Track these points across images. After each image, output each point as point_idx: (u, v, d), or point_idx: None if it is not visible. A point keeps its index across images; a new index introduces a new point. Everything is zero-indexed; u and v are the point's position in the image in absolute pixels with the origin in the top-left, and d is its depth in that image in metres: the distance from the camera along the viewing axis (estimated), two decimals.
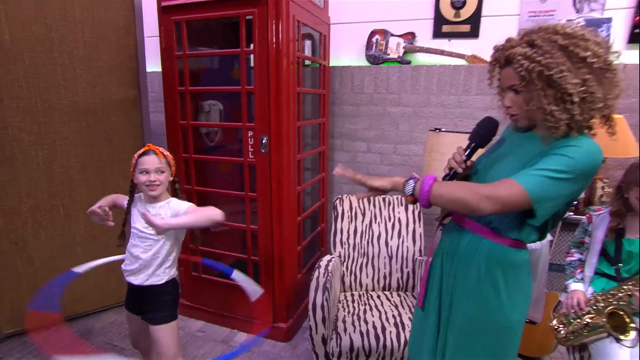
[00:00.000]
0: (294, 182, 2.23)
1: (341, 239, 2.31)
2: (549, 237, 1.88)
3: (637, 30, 2.33)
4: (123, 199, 1.60)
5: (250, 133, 2.14)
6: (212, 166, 2.63)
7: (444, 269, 1.27)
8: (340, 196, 2.37)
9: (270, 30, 1.92)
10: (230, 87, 2.36)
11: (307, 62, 2.74)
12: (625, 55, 2.35)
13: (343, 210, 2.34)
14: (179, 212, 1.49)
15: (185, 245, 2.36)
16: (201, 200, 2.39)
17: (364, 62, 2.84)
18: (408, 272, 2.27)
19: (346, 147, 2.89)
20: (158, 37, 2.18)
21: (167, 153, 1.56)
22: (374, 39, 2.83)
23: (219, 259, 2.60)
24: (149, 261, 1.51)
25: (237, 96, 2.13)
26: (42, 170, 2.15)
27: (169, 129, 2.26)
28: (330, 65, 2.76)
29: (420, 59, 2.75)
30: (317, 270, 1.97)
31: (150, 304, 1.52)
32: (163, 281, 1.54)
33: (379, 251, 2.29)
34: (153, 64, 2.65)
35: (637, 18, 2.32)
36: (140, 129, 2.38)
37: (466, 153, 1.20)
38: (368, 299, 2.15)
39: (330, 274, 1.94)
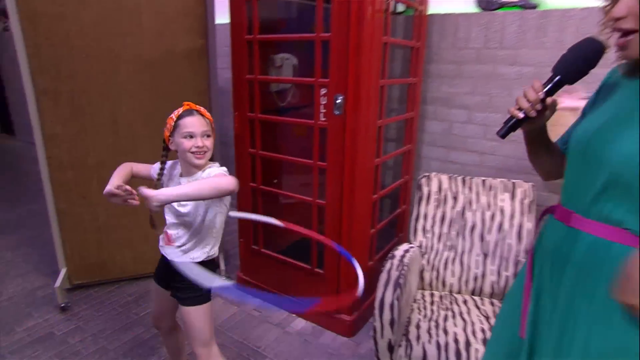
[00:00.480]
0: (372, 153, 1.85)
1: (424, 226, 1.89)
2: None
3: None
4: (147, 168, 1.36)
5: (323, 91, 1.78)
6: (284, 129, 2.36)
7: (543, 282, 0.87)
8: (427, 174, 1.94)
9: None
10: (302, 35, 2.00)
11: (399, 7, 2.25)
12: None
13: (430, 191, 1.91)
14: None
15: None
16: (269, 168, 2.14)
17: (472, 8, 2.26)
18: (507, 277, 1.78)
19: (440, 116, 2.38)
20: None
21: (209, 114, 1.31)
22: None
23: (281, 234, 2.37)
24: (189, 237, 1.29)
25: (313, 50, 1.77)
26: (108, 124, 2.05)
27: (235, 84, 2.00)
28: (429, 12, 2.24)
29: (553, 1, 2.09)
30: (389, 260, 1.61)
31: (182, 280, 1.28)
32: (201, 259, 1.31)
33: (472, 246, 1.83)
34: (223, 15, 2.39)
35: None
36: (207, 82, 2.17)
37: (544, 89, 0.82)
38: (452, 303, 1.74)
39: (406, 266, 1.57)
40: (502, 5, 2.17)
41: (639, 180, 0.67)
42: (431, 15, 2.27)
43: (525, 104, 0.83)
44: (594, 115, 0.83)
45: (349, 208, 1.83)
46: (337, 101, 1.70)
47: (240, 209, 2.21)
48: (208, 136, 1.26)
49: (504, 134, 0.87)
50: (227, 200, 1.33)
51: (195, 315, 1.31)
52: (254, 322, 2.09)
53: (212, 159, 1.33)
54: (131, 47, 2.00)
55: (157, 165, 1.33)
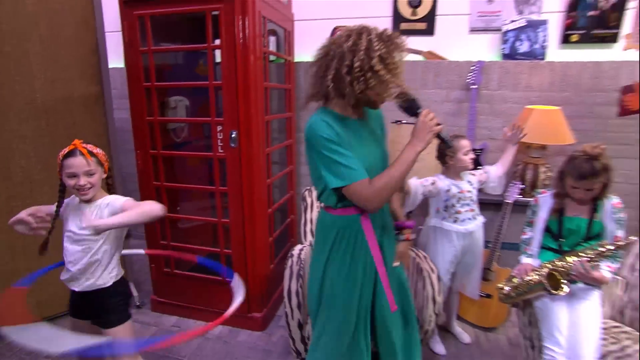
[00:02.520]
0: (264, 175, 2.19)
1: (312, 229, 2.30)
2: (482, 219, 2.01)
3: (569, 32, 2.50)
4: (46, 208, 1.40)
5: (219, 128, 2.08)
6: (180, 162, 2.53)
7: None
8: (309, 187, 2.37)
9: (237, 26, 1.87)
10: (199, 83, 2.28)
11: (272, 57, 2.69)
12: (558, 54, 2.53)
13: (312, 200, 2.33)
14: (116, 209, 1.34)
15: (156, 241, 2.27)
16: (171, 197, 2.30)
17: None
18: None
19: None
20: (118, 32, 2.05)
21: (97, 150, 1.37)
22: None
23: (193, 252, 2.53)
24: (89, 264, 1.36)
25: (203, 92, 2.05)
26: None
27: (135, 126, 2.14)
28: (295, 60, 2.73)
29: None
30: (290, 259, 1.96)
31: (100, 308, 1.37)
32: (110, 283, 1.40)
33: None
34: (113, 60, 2.49)
35: (569, 21, 2.48)
36: (104, 125, 2.23)
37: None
38: None
39: (302, 262, 1.94)
40: None
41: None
42: (298, 62, 2.77)
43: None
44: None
45: (250, 223, 2.13)
46: (232, 135, 2.01)
47: (148, 236, 2.31)
48: (92, 174, 1.32)
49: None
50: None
51: (121, 334, 1.39)
52: None
53: (112, 191, 1.44)
54: (21, 94, 1.97)
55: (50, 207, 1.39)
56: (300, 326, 1.81)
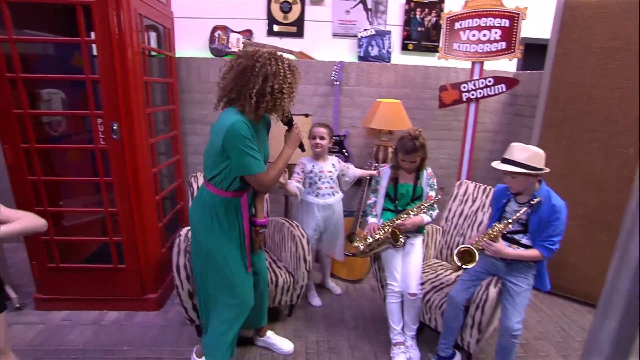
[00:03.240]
0: (149, 165, 2.28)
1: None
2: (341, 195, 2.46)
3: (406, 42, 3.09)
4: None
5: (99, 120, 2.10)
6: (60, 156, 2.43)
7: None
8: (195, 174, 2.52)
9: (111, 22, 1.91)
10: (73, 76, 2.22)
11: (153, 52, 2.73)
12: (399, 58, 3.11)
13: (198, 186, 2.49)
14: None
15: (38, 237, 2.18)
16: (50, 191, 2.22)
17: (208, 54, 2.98)
18: None
19: (198, 131, 3.01)
20: None
21: None
22: (216, 34, 2.99)
23: (81, 246, 2.48)
24: None
25: (81, 84, 2.04)
26: None
27: (1, 119, 2.02)
28: (177, 56, 2.81)
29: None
30: (177, 238, 2.08)
31: None
32: None
33: None
34: None
35: (405, 33, 3.07)
36: None
37: None
38: None
39: (189, 239, 2.09)
40: (227, 54, 2.98)
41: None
42: (179, 58, 2.86)
43: None
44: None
45: (138, 210, 2.21)
46: (114, 127, 2.06)
47: (27, 236, 2.20)
48: None
49: None
50: None
51: None
52: (65, 330, 2.16)
53: None
54: None
55: None
56: (191, 296, 1.99)
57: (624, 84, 2.31)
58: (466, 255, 1.86)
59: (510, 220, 1.72)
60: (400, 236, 1.97)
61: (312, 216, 2.36)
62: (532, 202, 1.68)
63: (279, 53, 1.52)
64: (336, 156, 2.50)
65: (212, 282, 1.69)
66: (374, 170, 2.59)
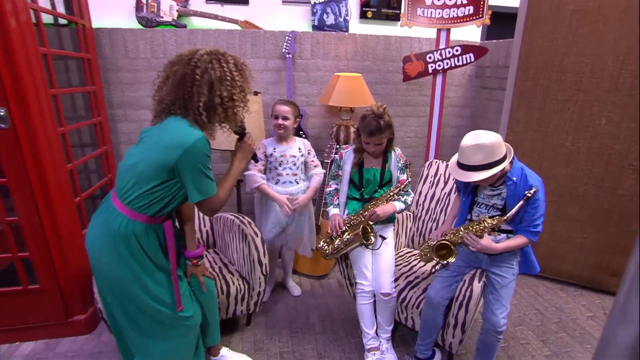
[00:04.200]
0: (61, 160, 1.79)
1: None
2: (306, 184, 2.08)
3: (365, 9, 2.72)
4: None
5: None
6: None
7: None
8: None
9: None
10: None
11: (63, 21, 2.17)
12: (358, 27, 2.75)
13: None
14: None
15: None
16: None
17: (135, 24, 2.45)
18: None
19: (130, 117, 2.50)
20: None
21: None
22: (144, 0, 2.45)
23: None
24: None
25: None
26: None
27: None
28: (95, 26, 2.27)
29: (196, 23, 2.55)
30: None
31: None
32: None
33: None
34: None
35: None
36: None
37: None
38: None
39: None
40: (159, 24, 2.46)
41: None
42: (99, 29, 2.31)
43: None
44: None
45: (50, 217, 1.73)
46: (1, 114, 1.55)
47: None
48: None
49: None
50: None
51: None
52: None
53: None
54: None
55: None
56: None
57: (595, 50, 2.09)
58: (441, 249, 1.59)
59: (505, 217, 1.43)
60: (372, 234, 1.65)
61: (270, 207, 1.99)
62: (527, 195, 1.39)
63: (220, 51, 1.25)
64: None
65: (134, 327, 1.32)
66: (335, 153, 2.24)
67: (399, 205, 1.74)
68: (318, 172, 2.06)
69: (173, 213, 1.37)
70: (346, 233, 1.73)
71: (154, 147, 1.20)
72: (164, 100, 1.24)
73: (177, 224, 1.44)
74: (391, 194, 1.71)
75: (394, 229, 1.87)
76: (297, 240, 2.15)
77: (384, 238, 1.71)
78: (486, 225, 1.45)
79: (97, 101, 2.20)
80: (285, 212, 1.92)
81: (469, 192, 1.55)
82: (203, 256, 1.50)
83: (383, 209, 1.67)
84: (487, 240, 1.46)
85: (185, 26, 2.48)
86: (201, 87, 1.20)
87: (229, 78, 1.22)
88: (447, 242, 1.57)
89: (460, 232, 1.53)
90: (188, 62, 1.20)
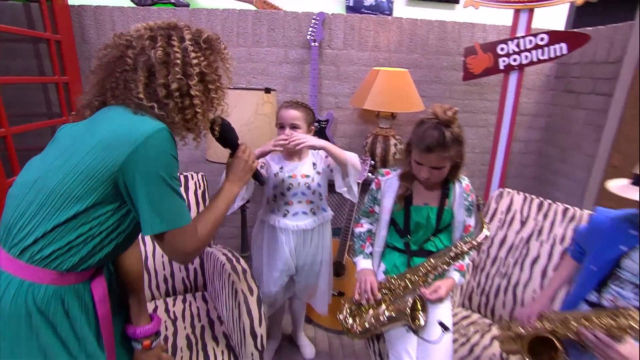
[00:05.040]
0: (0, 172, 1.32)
1: None
2: (327, 213, 1.48)
3: None
4: None
5: None
6: None
7: None
8: None
9: None
10: None
11: None
12: (404, 11, 2.13)
13: None
14: None
15: None
16: None
17: (127, 2, 1.96)
18: None
19: None
20: None
21: None
22: None
23: None
24: None
25: None
26: None
27: None
28: (76, 3, 1.80)
29: (200, 1, 2.04)
30: None
31: None
32: None
33: None
34: None
35: None
36: None
37: None
38: None
39: None
40: (155, 2, 1.96)
41: None
42: (79, 6, 1.84)
43: None
44: None
45: None
46: None
47: None
48: None
49: None
50: None
51: None
52: None
53: None
54: None
55: None
56: None
57: None
58: (539, 344, 0.98)
59: None
60: (421, 313, 1.05)
61: (279, 244, 1.41)
62: None
63: (175, 24, 0.80)
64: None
65: None
66: (367, 169, 1.63)
67: (458, 278, 1.14)
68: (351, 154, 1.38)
69: (109, 266, 0.86)
70: (383, 304, 1.13)
71: (80, 147, 0.71)
72: (91, 91, 0.80)
73: (113, 282, 0.90)
74: (458, 250, 1.10)
75: (451, 297, 1.25)
76: (308, 287, 1.57)
77: (444, 327, 1.09)
78: (631, 316, 0.82)
79: (68, 96, 1.72)
80: (280, 142, 1.25)
81: (610, 260, 0.92)
82: (159, 333, 0.96)
83: (447, 285, 1.07)
84: (632, 348, 0.83)
85: (187, 5, 1.97)
86: (136, 72, 0.76)
87: (179, 61, 0.75)
88: (550, 337, 0.95)
89: (575, 323, 0.90)
90: (122, 42, 0.78)
